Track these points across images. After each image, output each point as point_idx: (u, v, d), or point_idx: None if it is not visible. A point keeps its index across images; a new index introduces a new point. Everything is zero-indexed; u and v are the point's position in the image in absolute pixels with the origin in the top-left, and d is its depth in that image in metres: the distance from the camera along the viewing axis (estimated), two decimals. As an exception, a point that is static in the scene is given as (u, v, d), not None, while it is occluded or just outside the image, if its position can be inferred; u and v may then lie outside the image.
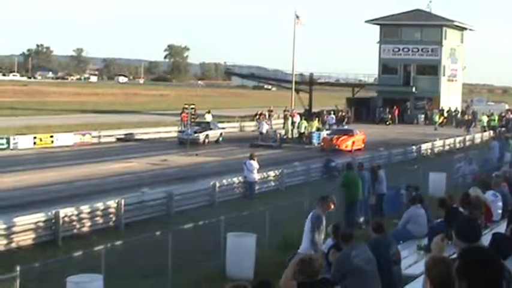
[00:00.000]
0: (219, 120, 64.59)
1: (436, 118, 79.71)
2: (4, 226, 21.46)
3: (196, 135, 52.10)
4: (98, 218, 24.55)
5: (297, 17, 71.06)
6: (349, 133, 53.75)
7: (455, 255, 6.60)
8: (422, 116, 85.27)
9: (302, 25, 72.54)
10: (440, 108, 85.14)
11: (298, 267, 9.15)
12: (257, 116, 70.89)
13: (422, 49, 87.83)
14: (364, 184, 25.26)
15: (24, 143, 47.44)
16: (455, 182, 32.13)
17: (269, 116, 69.35)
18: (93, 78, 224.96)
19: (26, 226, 22.02)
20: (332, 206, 15.58)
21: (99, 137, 53.57)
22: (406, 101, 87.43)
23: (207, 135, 53.70)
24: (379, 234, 13.16)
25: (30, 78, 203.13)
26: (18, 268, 14.99)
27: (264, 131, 57.93)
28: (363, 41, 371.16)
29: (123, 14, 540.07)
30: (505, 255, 8.86)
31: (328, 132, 56.41)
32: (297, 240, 20.88)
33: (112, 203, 25.16)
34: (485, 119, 75.93)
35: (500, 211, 18.04)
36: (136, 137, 55.90)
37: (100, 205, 24.90)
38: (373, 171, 27.04)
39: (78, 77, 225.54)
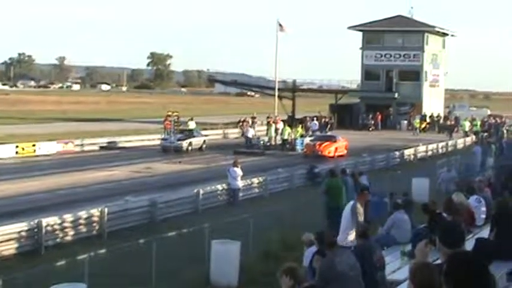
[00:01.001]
0: (202, 127, 64.56)
1: (416, 124, 79.80)
2: (-14, 236, 21.36)
3: (179, 142, 52.05)
4: (81, 227, 24.47)
5: (280, 24, 71.10)
6: (331, 139, 53.79)
7: (439, 261, 6.62)
8: (405, 121, 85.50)
9: (286, 33, 72.52)
10: (422, 113, 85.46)
11: (282, 272, 9.15)
12: (240, 123, 70.95)
13: (404, 55, 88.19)
14: (347, 190, 25.28)
15: (6, 152, 47.18)
16: (438, 187, 32.21)
17: (252, 122, 69.31)
18: (76, 87, 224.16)
19: (8, 235, 21.91)
20: (368, 197, 18.03)
21: (82, 145, 53.39)
22: (388, 107, 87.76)
23: (190, 142, 53.61)
24: (363, 240, 13.18)
25: (12, 87, 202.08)
26: (0, 278, 14.91)
27: (250, 135, 57.95)
28: (345, 48, 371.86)
29: (105, 22, 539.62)
30: (488, 260, 8.88)
31: (310, 138, 56.40)
32: (281, 247, 20.97)
33: (95, 212, 25.10)
34: (467, 124, 76.23)
35: (483, 216, 18.08)
36: (120, 145, 55.74)
37: (83, 214, 24.82)
38: (353, 177, 27.08)
39: (60, 85, 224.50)
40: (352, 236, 15.81)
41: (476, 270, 5.01)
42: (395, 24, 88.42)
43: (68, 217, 24.14)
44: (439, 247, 6.72)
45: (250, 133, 58.85)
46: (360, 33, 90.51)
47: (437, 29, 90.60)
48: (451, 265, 5.08)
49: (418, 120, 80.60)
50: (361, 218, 16.33)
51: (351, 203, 16.72)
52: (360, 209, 16.48)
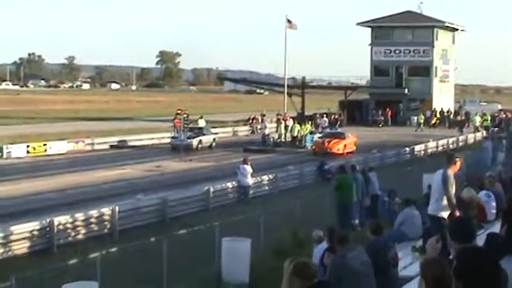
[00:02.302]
0: (212, 125, 64.56)
1: (421, 119, 79.55)
2: (-1, 235, 21.48)
3: (189, 140, 52.03)
4: (92, 226, 24.58)
5: (288, 21, 71.08)
6: (340, 136, 53.72)
7: (450, 256, 6.63)
8: (415, 117, 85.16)
9: (295, 29, 72.41)
10: (433, 109, 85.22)
11: (292, 272, 9.10)
12: (250, 121, 71.00)
13: (413, 50, 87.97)
14: (358, 186, 25.28)
15: (17, 151, 47.29)
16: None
17: (262, 120, 69.31)
18: (86, 86, 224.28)
19: (21, 235, 22.04)
20: (459, 165, 15.51)
21: (93, 144, 53.51)
22: (398, 103, 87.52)
23: (200, 140, 53.67)
24: (377, 236, 13.10)
25: (22, 86, 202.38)
26: (13, 277, 14.97)
27: (267, 132, 57.85)
28: (354, 44, 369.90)
29: (114, 21, 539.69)
30: (500, 255, 8.87)
31: (319, 135, 56.29)
32: (292, 244, 20.98)
33: (106, 210, 25.19)
34: (478, 119, 76.03)
35: (494, 211, 18.06)
36: (130, 143, 55.80)
37: (94, 212, 24.93)
38: (363, 174, 27.09)
39: (70, 84, 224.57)
40: (444, 205, 14.69)
41: (486, 265, 5.00)
42: (405, 20, 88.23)
43: (80, 216, 24.26)
44: (450, 242, 6.72)
45: (267, 129, 58.67)
46: (369, 29, 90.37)
47: (446, 24, 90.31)
48: (461, 260, 5.07)
49: (422, 116, 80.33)
50: (452, 189, 15.10)
51: (441, 171, 15.09)
52: (451, 178, 15.17)
